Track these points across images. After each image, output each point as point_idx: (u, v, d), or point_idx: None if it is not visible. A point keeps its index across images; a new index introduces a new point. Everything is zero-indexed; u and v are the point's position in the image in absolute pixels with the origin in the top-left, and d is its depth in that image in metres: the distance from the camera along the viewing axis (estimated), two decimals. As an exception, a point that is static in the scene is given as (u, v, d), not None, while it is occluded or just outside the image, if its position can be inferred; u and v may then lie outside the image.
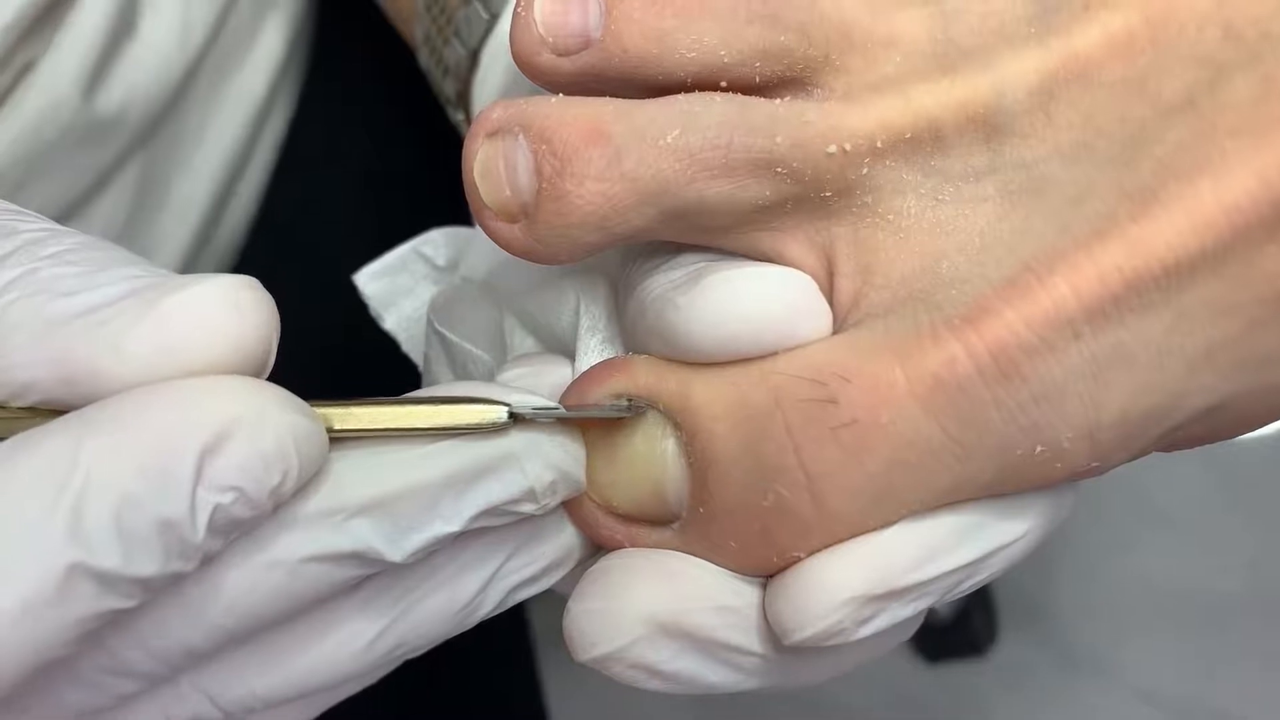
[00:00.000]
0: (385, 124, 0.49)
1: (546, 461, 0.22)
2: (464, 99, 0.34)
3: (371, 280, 0.31)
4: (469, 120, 0.34)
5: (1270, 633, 0.85)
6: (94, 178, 0.39)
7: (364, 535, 0.20)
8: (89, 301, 0.19)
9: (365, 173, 0.48)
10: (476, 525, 0.21)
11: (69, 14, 0.37)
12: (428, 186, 0.47)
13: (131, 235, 0.42)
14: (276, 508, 0.20)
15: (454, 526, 0.21)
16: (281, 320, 0.37)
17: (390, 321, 0.31)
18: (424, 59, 0.35)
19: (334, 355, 0.43)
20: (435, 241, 0.31)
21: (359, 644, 0.22)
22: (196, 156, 0.44)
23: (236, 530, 0.19)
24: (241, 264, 0.47)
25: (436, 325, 0.27)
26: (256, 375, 0.20)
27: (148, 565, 0.19)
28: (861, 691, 0.82)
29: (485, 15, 0.32)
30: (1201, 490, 0.88)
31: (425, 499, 0.21)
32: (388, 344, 0.33)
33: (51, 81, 0.37)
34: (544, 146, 0.22)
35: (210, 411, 0.19)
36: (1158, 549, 0.91)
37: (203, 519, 0.19)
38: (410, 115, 0.47)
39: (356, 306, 0.32)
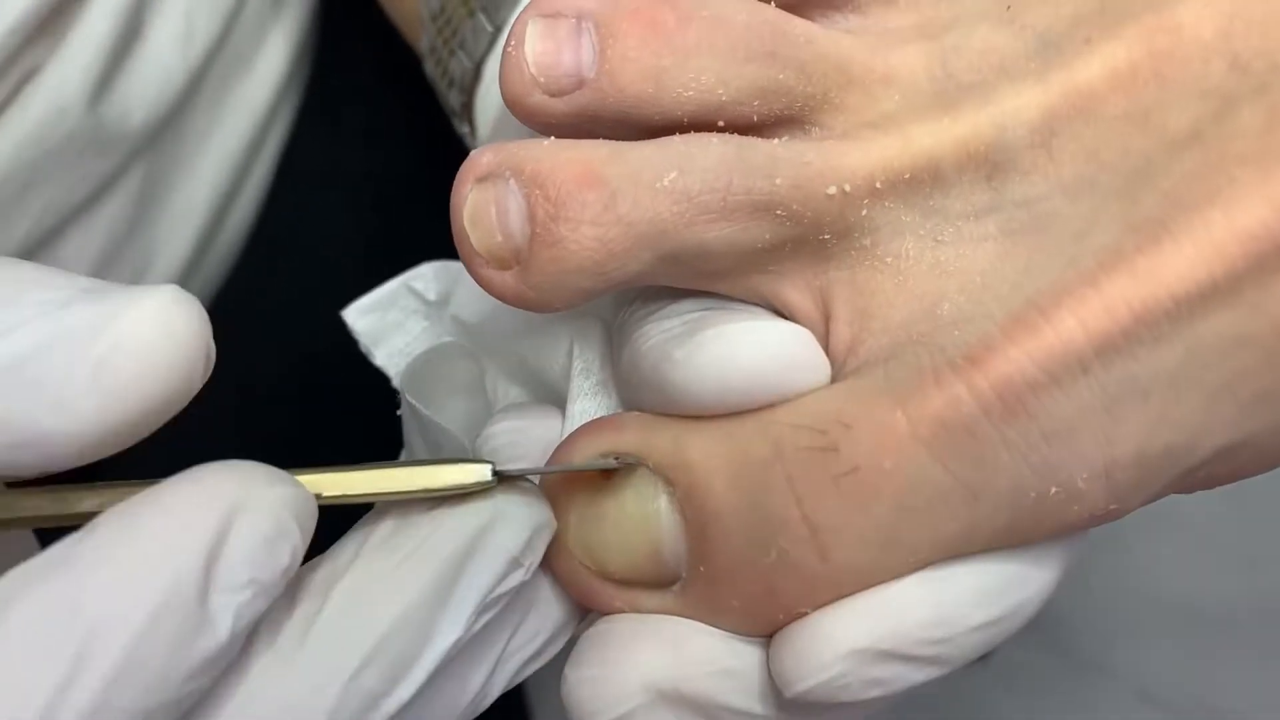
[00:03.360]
0: (386, 136, 0.48)
1: (517, 522, 0.21)
2: (469, 111, 0.34)
3: (361, 316, 0.31)
4: (474, 132, 0.34)
5: (1270, 633, 0.85)
6: (97, 184, 0.39)
7: (371, 687, 0.20)
8: (12, 351, 0.18)
9: (365, 184, 0.48)
10: (478, 626, 0.21)
11: (75, 19, 0.37)
12: (427, 199, 0.47)
13: (133, 241, 0.42)
14: (285, 584, 0.19)
15: (457, 633, 0.20)
16: (276, 327, 0.36)
17: (380, 357, 0.31)
18: (429, 69, 0.35)
19: (327, 363, 0.43)
20: (425, 276, 0.31)
21: None
22: (199, 164, 0.44)
23: (255, 619, 0.19)
24: (239, 271, 0.47)
25: (409, 398, 0.27)
26: (197, 387, 0.19)
27: (168, 693, 0.18)
28: (861, 690, 0.82)
29: (490, 28, 0.32)
30: (1201, 490, 0.87)
31: (417, 625, 0.20)
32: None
33: (57, 87, 0.36)
34: (537, 191, 0.22)
35: (202, 517, 0.18)
36: (1157, 548, 0.91)
37: (225, 623, 0.18)
38: (412, 128, 0.47)
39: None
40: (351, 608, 0.20)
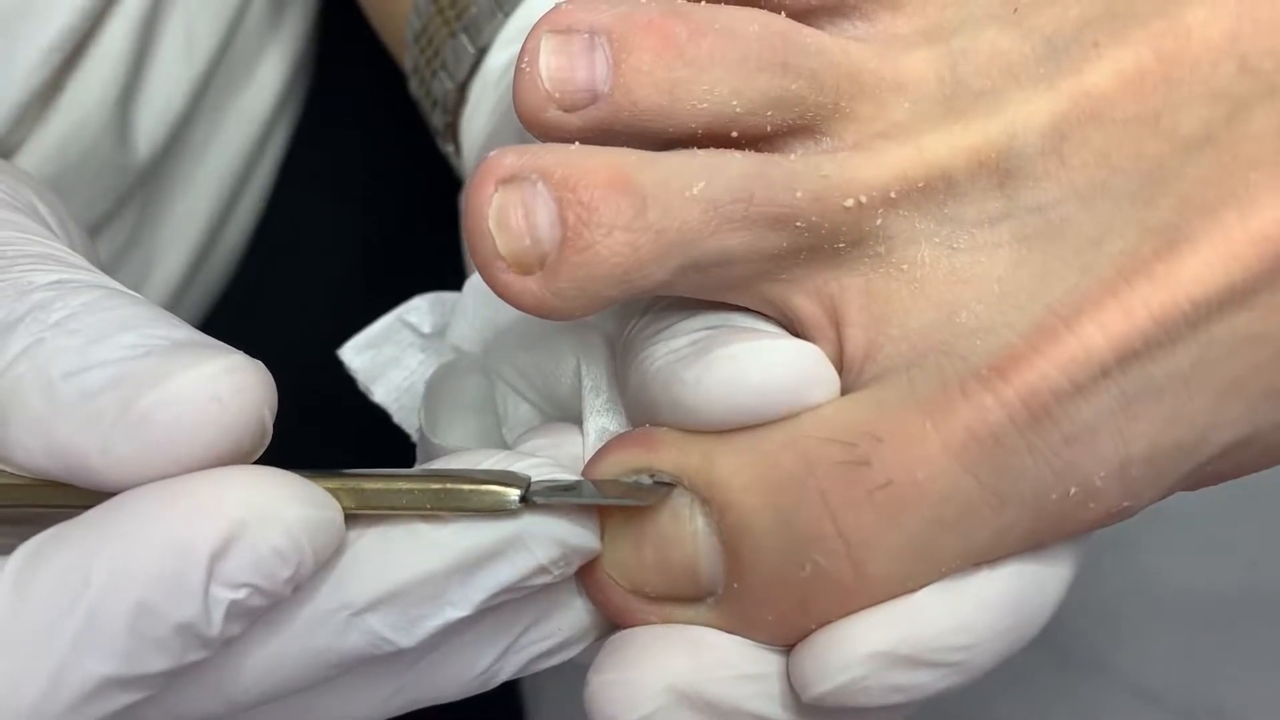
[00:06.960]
0: (384, 147, 0.48)
1: (554, 539, 0.21)
2: (453, 131, 0.33)
3: (357, 354, 0.31)
4: (458, 152, 0.34)
5: (1270, 633, 0.85)
6: (113, 202, 0.40)
7: (375, 628, 0.21)
8: (84, 388, 0.19)
9: (363, 194, 0.49)
10: (490, 605, 0.21)
11: (96, 34, 0.37)
12: (425, 209, 0.47)
13: (132, 253, 0.42)
14: (296, 589, 0.20)
15: (464, 611, 0.21)
16: (273, 338, 0.36)
17: (380, 393, 0.31)
18: (413, 89, 0.35)
19: (325, 370, 0.43)
20: (419, 309, 0.31)
21: (373, 701, 0.22)
22: (199, 175, 0.44)
23: (256, 614, 0.20)
24: (235, 282, 0.48)
25: (423, 430, 0.27)
26: (251, 454, 0.20)
27: (164, 662, 0.19)
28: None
29: (472, 50, 0.32)
30: (1208, 485, 0.87)
31: (433, 587, 0.21)
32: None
33: (78, 103, 0.37)
34: (569, 194, 0.21)
35: (218, 514, 0.19)
36: (1157, 548, 0.91)
37: (218, 615, 0.19)
38: (410, 138, 0.47)
39: (347, 327, 0.32)
40: (372, 557, 0.21)
